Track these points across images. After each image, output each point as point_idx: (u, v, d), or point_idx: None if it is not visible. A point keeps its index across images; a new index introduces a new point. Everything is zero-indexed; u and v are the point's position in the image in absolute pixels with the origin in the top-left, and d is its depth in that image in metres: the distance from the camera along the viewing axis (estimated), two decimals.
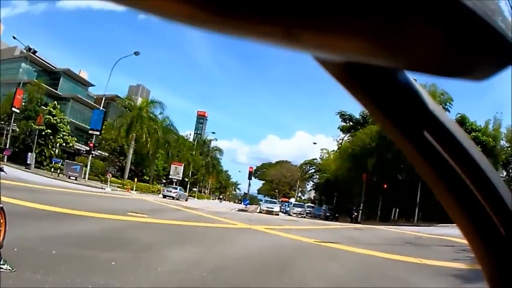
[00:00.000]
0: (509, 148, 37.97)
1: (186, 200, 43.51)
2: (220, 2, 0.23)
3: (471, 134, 35.30)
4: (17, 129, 40.74)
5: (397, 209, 37.83)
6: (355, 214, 40.30)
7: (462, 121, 37.09)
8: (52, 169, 36.38)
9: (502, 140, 38.48)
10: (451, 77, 0.32)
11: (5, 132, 39.71)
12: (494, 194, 0.48)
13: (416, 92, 0.43)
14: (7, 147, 36.26)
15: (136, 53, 42.12)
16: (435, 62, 0.30)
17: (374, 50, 0.28)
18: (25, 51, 48.08)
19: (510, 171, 38.66)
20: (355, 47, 0.27)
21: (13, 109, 37.25)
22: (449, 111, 38.90)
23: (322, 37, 0.26)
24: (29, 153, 35.80)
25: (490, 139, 36.10)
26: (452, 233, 15.39)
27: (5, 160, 31.69)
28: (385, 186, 38.10)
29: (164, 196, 39.85)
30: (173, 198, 39.43)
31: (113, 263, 6.07)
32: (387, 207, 38.53)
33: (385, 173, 38.19)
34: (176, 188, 43.71)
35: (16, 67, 52.10)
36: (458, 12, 0.26)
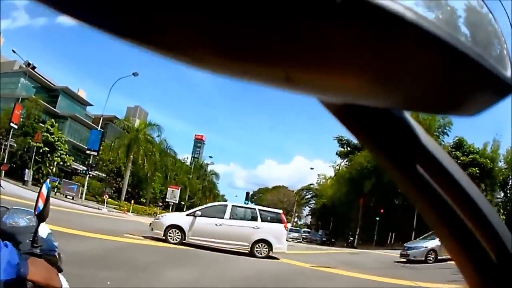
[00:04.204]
0: (507, 170, 38.12)
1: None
2: (222, 46, 0.24)
3: (469, 156, 35.72)
4: (15, 145, 40.68)
5: (394, 234, 37.70)
6: (351, 238, 40.15)
7: (460, 144, 37.55)
8: None
9: (500, 161, 38.70)
10: (443, 114, 0.34)
11: (2, 147, 39.61)
12: (485, 222, 0.49)
13: (409, 126, 0.45)
14: (5, 162, 36.12)
15: (135, 74, 42.11)
16: (427, 101, 0.32)
17: (371, 94, 0.29)
18: (24, 66, 48.06)
19: (508, 192, 38.80)
20: (353, 90, 0.29)
21: (11, 124, 37.12)
22: (448, 135, 39.46)
23: (322, 82, 0.28)
24: (26, 170, 35.70)
25: (488, 161, 36.33)
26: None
27: (2, 175, 31.60)
28: (382, 210, 38.06)
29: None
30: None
31: (108, 282, 6.11)
32: (383, 232, 38.38)
33: (382, 197, 38.20)
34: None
35: (15, 82, 51.57)
36: (448, 55, 0.27)
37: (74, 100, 59.61)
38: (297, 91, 0.28)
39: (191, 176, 68.80)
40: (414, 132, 0.45)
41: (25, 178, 34.76)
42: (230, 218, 14.21)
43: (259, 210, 15.01)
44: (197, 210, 14.83)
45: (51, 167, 41.71)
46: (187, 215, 14.73)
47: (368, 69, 0.26)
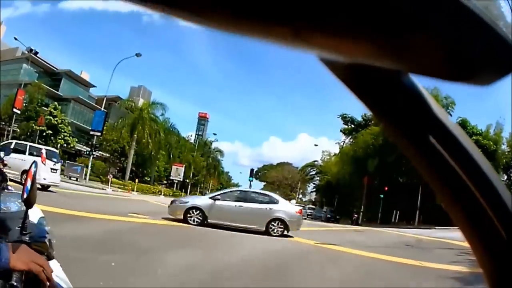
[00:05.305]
0: (510, 153, 37.97)
1: None
2: (231, 2, 0.24)
3: (472, 138, 35.36)
4: (18, 130, 40.71)
5: (398, 212, 37.84)
6: (356, 216, 40.24)
7: (463, 125, 37.22)
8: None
9: (503, 144, 38.51)
10: (454, 81, 0.32)
11: (6, 132, 39.66)
12: (496, 197, 0.48)
13: (420, 95, 0.43)
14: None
15: (138, 55, 41.70)
16: (439, 66, 0.31)
17: (381, 52, 0.28)
18: (26, 52, 47.92)
19: (511, 175, 38.71)
20: (362, 49, 0.28)
21: (14, 110, 37.11)
22: (451, 115, 39.01)
23: (330, 39, 0.27)
24: None
25: (491, 143, 36.19)
26: (452, 236, 15.31)
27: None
28: (386, 188, 38.09)
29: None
30: None
31: (113, 264, 6.08)
32: (388, 210, 38.50)
33: (386, 175, 38.21)
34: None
35: (17, 68, 51.87)
36: (463, 17, 0.26)
37: (77, 82, 59.51)
38: (305, 49, 0.28)
39: (195, 153, 68.88)
40: (426, 101, 0.44)
41: None
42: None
43: (29, 145, 19.40)
44: (9, 143, 20.23)
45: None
46: (5, 152, 18.11)
47: (382, 29, 0.26)
